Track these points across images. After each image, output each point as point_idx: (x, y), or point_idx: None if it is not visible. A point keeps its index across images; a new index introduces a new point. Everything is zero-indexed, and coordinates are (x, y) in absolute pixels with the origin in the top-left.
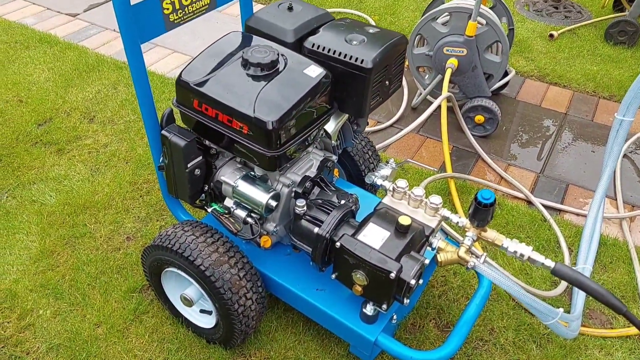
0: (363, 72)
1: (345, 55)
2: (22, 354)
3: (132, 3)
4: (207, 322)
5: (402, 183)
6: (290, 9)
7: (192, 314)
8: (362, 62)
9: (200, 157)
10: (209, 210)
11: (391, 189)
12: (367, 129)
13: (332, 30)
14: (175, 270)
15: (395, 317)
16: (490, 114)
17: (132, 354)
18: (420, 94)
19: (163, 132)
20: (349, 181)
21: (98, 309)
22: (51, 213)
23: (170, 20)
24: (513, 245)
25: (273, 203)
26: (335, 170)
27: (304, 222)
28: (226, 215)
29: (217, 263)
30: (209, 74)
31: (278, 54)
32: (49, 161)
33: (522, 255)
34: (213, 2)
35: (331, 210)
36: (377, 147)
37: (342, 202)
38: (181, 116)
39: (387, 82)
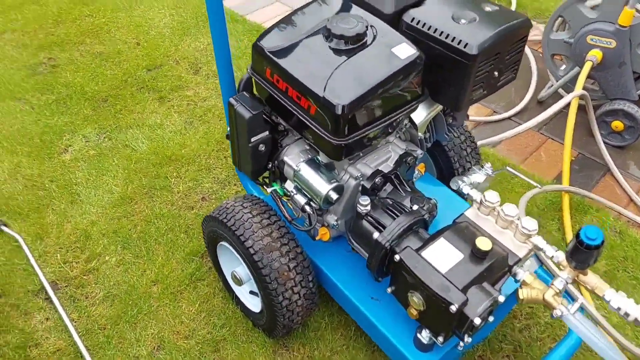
0: (465, 59)
1: (447, 35)
2: (82, 297)
3: None
4: (255, 304)
5: (492, 196)
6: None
7: (242, 293)
8: (465, 46)
9: (267, 133)
10: (269, 190)
11: (479, 200)
12: (479, 118)
13: (441, 4)
14: (227, 245)
15: (462, 344)
16: (632, 122)
17: (179, 320)
18: (551, 86)
19: (230, 99)
20: (439, 178)
21: (159, 266)
22: (139, 160)
23: None
24: (617, 300)
25: (334, 196)
26: (422, 165)
27: (364, 223)
28: (286, 199)
29: (268, 249)
30: (287, 42)
31: (366, 26)
32: (149, 107)
33: (627, 314)
34: None
35: (398, 215)
36: (486, 142)
37: (415, 207)
38: (255, 85)
39: (495, 73)
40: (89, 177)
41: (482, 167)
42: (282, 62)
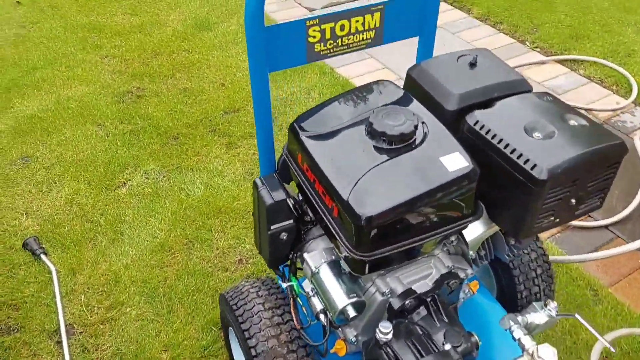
0: (531, 182)
1: (514, 150)
2: (92, 349)
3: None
4: None
5: (548, 353)
6: (473, 64)
7: None
8: (533, 167)
9: (291, 221)
10: (285, 284)
11: (530, 351)
12: (568, 223)
13: (515, 109)
14: (234, 334)
15: None
16: None
17: None
18: None
19: (256, 180)
20: (498, 298)
21: (175, 329)
22: (189, 206)
23: (316, 50)
24: None
25: (351, 313)
26: (474, 282)
27: (382, 355)
28: (300, 299)
29: (272, 354)
30: (325, 128)
31: (415, 126)
32: (214, 152)
33: None
34: (379, 37)
35: (423, 356)
36: (571, 259)
37: (448, 346)
38: (290, 167)
39: (572, 201)
40: (137, 216)
41: (546, 305)
42: (314, 151)
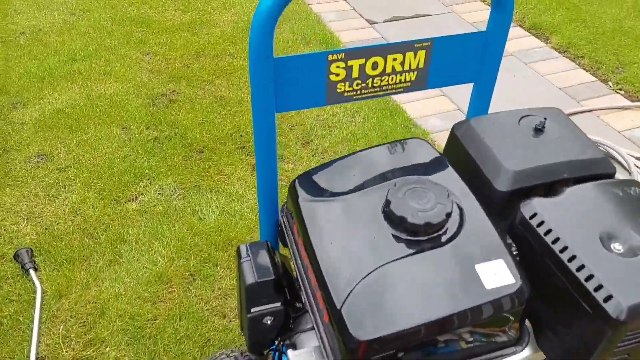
0: (602, 320)
1: (582, 267)
2: None
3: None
4: None
5: None
6: (539, 130)
7: None
8: (607, 299)
9: (279, 304)
10: None
11: None
12: None
13: (590, 201)
14: None
15: None
16: None
17: None
18: None
19: (240, 247)
20: None
21: None
22: (199, 233)
23: (338, 91)
24: None
25: None
26: None
27: None
28: None
29: None
30: (332, 195)
31: (449, 213)
32: (238, 172)
33: None
34: (421, 80)
35: None
36: None
37: None
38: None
39: None
40: (141, 237)
41: None
42: (312, 226)
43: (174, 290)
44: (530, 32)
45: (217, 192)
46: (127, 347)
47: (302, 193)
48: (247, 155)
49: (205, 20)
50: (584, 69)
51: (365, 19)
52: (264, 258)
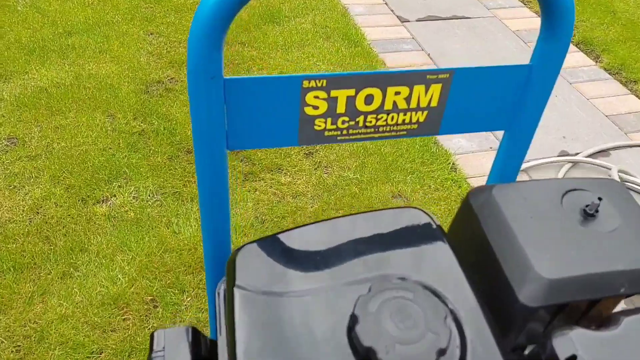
0: None
1: None
2: None
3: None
4: None
5: None
6: (590, 215)
7: None
8: None
9: None
10: None
11: None
12: None
13: None
14: None
15: None
16: None
17: None
18: None
19: (154, 333)
20: None
21: None
22: (170, 249)
23: (317, 129)
24: None
25: None
26: None
27: None
28: None
29: None
30: (281, 287)
31: (443, 350)
32: None
33: None
34: (433, 122)
35: None
36: None
37: None
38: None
39: None
40: (104, 247)
41: None
42: (241, 332)
43: (130, 318)
44: (578, 47)
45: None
46: None
47: (241, 275)
48: (240, 161)
49: None
50: (636, 95)
51: (397, 16)
52: (182, 354)
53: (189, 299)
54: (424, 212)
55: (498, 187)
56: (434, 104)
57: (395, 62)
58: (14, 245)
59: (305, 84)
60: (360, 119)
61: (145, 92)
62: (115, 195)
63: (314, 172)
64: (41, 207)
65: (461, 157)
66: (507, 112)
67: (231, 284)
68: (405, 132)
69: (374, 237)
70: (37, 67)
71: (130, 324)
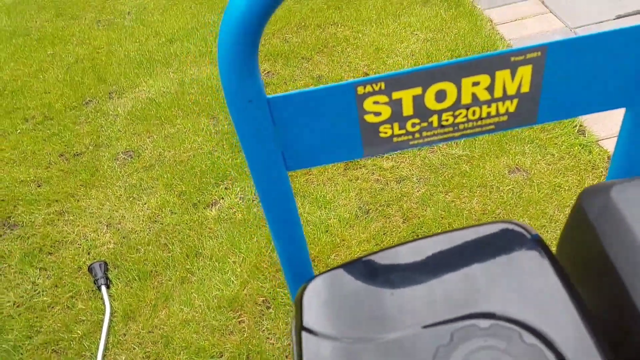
0: None
1: None
2: None
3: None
4: None
5: None
6: None
7: None
8: None
9: None
10: None
11: None
12: None
13: None
14: None
15: None
16: None
17: None
18: None
19: None
20: None
21: None
22: None
23: (382, 136)
24: None
25: None
26: None
27: None
28: None
29: None
30: (347, 332)
31: None
32: (330, 171)
33: None
34: (527, 113)
35: None
36: None
37: None
38: None
39: None
40: (217, 251)
41: None
42: None
43: (245, 320)
44: None
45: (302, 196)
46: None
47: (309, 317)
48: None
49: None
50: None
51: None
52: None
53: None
54: (521, 225)
55: (619, 185)
56: (524, 89)
57: (504, 16)
58: (137, 255)
59: (360, 90)
60: (434, 118)
61: None
62: (223, 198)
63: (418, 152)
64: (158, 215)
65: (588, 117)
66: (629, 84)
67: (299, 324)
68: (493, 127)
69: (459, 263)
70: (146, 79)
71: (245, 327)
